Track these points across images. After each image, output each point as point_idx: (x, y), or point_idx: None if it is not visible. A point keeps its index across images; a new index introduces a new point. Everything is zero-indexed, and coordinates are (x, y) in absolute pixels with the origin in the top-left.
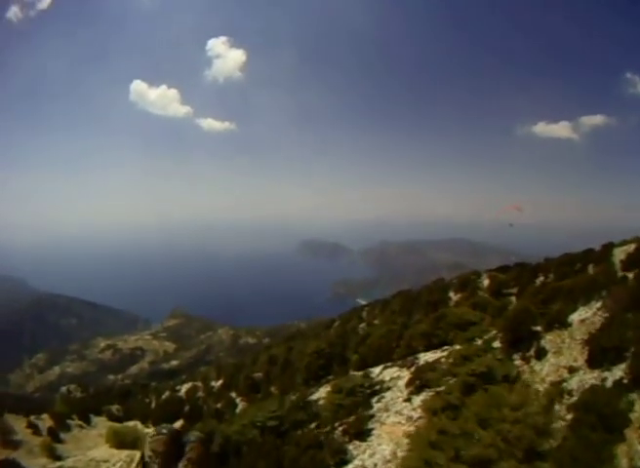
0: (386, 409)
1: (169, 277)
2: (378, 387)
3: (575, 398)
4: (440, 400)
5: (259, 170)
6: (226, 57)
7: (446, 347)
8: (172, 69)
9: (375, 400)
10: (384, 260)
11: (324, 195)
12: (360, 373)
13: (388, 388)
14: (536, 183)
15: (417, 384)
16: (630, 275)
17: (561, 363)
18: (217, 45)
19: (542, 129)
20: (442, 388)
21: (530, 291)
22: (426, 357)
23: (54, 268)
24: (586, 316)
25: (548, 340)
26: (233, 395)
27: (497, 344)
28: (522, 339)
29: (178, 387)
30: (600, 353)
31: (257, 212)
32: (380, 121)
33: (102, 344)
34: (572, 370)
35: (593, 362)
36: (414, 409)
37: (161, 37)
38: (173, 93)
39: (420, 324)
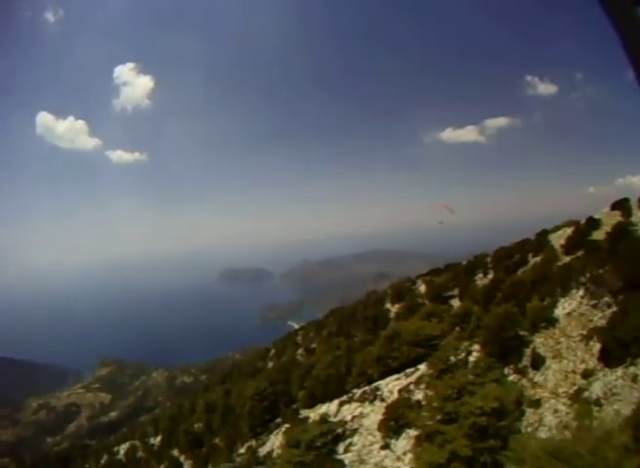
0: (362, 462)
1: (91, 323)
2: (340, 431)
3: (611, 407)
4: (442, 452)
5: (173, 200)
6: (134, 84)
7: (409, 370)
8: (79, 99)
9: (342, 449)
10: (308, 280)
11: (242, 221)
12: (315, 418)
13: (354, 431)
14: (449, 187)
15: (392, 426)
16: (573, 257)
17: (567, 368)
18: (124, 72)
19: (450, 135)
20: (430, 427)
21: (475, 290)
22: (389, 385)
23: None
24: (572, 308)
25: (540, 344)
26: (175, 453)
27: (474, 358)
28: (509, 349)
29: (116, 449)
30: (618, 347)
31: (176, 243)
32: (290, 142)
33: (35, 404)
34: (586, 375)
35: (610, 359)
36: (400, 461)
37: (66, 65)
38: (80, 124)
39: (370, 346)
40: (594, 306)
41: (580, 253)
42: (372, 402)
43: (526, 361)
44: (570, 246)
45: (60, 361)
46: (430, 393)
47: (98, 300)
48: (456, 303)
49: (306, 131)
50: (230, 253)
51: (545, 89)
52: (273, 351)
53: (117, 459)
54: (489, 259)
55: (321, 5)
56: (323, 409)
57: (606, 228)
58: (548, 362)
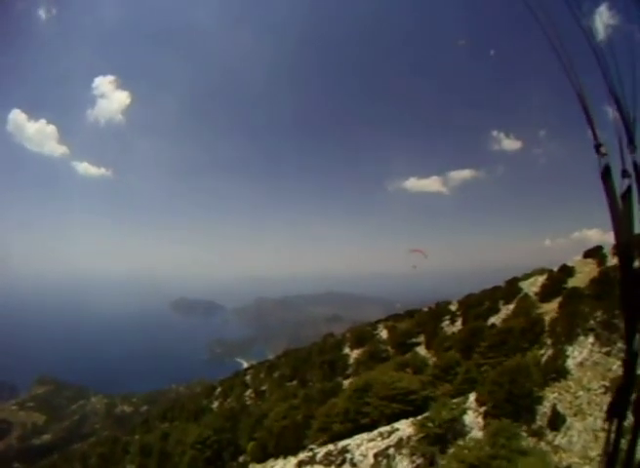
0: None
1: (34, 338)
2: None
3: None
4: None
5: (133, 221)
6: (111, 97)
7: (384, 429)
8: (54, 103)
9: None
10: (260, 317)
11: (201, 251)
12: None
13: None
14: (409, 235)
15: None
16: (550, 305)
17: (594, 426)
18: (103, 83)
19: (414, 184)
20: None
21: (444, 337)
22: (361, 447)
23: None
24: (583, 357)
25: (554, 399)
26: None
27: (470, 418)
28: (520, 407)
29: None
30: None
31: (132, 265)
32: (257, 177)
33: None
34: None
35: None
36: None
37: (48, 66)
38: (51, 129)
39: (334, 397)
40: (608, 353)
41: (557, 301)
42: (340, 466)
43: (541, 420)
44: (545, 293)
45: None
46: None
47: (45, 315)
48: (422, 351)
49: (275, 168)
50: (185, 282)
51: (510, 144)
52: (219, 389)
53: None
54: (454, 306)
55: (313, 56)
56: (277, 465)
57: (580, 275)
58: (569, 420)
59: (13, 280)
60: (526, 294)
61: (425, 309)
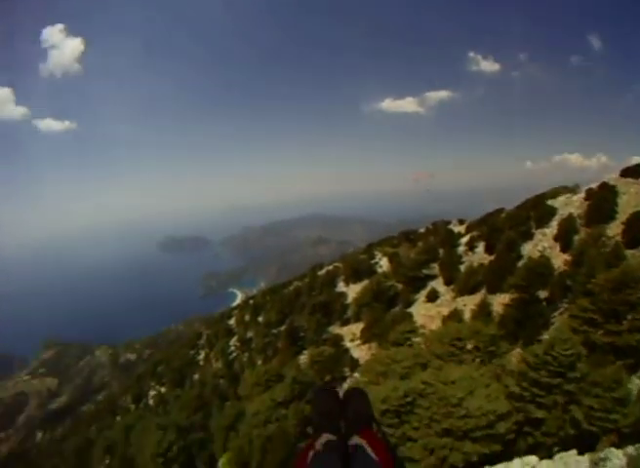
0: None
1: (29, 304)
2: None
3: None
4: None
5: (106, 169)
6: (63, 47)
7: None
8: (4, 65)
9: None
10: (248, 246)
11: (180, 189)
12: None
13: None
14: (387, 156)
15: None
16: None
17: None
18: (53, 33)
19: (389, 105)
20: None
21: (467, 271)
22: None
23: None
24: None
25: None
26: None
27: None
28: None
29: None
30: None
31: (113, 214)
32: (226, 109)
33: None
34: None
35: None
36: None
37: None
38: (6, 92)
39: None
40: None
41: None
42: None
43: None
44: (594, 215)
45: (2, 348)
46: None
47: (35, 279)
48: (440, 287)
49: (243, 99)
50: (169, 222)
51: (488, 66)
52: (205, 338)
53: None
54: (456, 227)
55: None
56: None
57: (626, 197)
58: None
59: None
60: (571, 215)
61: (422, 230)
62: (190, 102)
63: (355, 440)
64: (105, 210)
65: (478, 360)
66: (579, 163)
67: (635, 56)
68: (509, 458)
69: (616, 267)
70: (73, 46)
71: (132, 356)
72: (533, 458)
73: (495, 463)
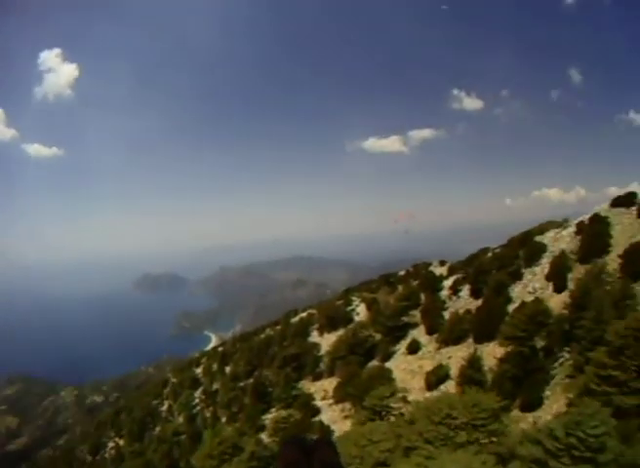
0: None
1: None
2: None
3: None
4: None
5: (90, 201)
6: (59, 71)
7: None
8: None
9: None
10: (225, 287)
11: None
12: None
13: None
14: (369, 196)
15: None
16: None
17: None
18: (49, 58)
19: (373, 144)
20: None
21: (453, 319)
22: None
23: None
24: None
25: None
26: None
27: None
28: None
29: None
30: None
31: (93, 246)
32: (212, 146)
33: None
34: None
35: None
36: None
37: None
38: None
39: None
40: None
41: (610, 258)
42: None
43: None
44: (587, 250)
45: None
46: None
47: (2, 310)
48: (421, 337)
49: (229, 136)
50: (147, 259)
51: (471, 103)
52: (169, 387)
53: None
54: (437, 269)
55: (249, 17)
56: None
57: (619, 228)
58: None
59: None
60: (563, 252)
61: (402, 273)
62: (174, 139)
63: None
64: (85, 242)
65: (477, 443)
66: (558, 197)
67: (614, 88)
68: None
69: (624, 308)
70: (68, 71)
71: (98, 398)
72: None
73: None
